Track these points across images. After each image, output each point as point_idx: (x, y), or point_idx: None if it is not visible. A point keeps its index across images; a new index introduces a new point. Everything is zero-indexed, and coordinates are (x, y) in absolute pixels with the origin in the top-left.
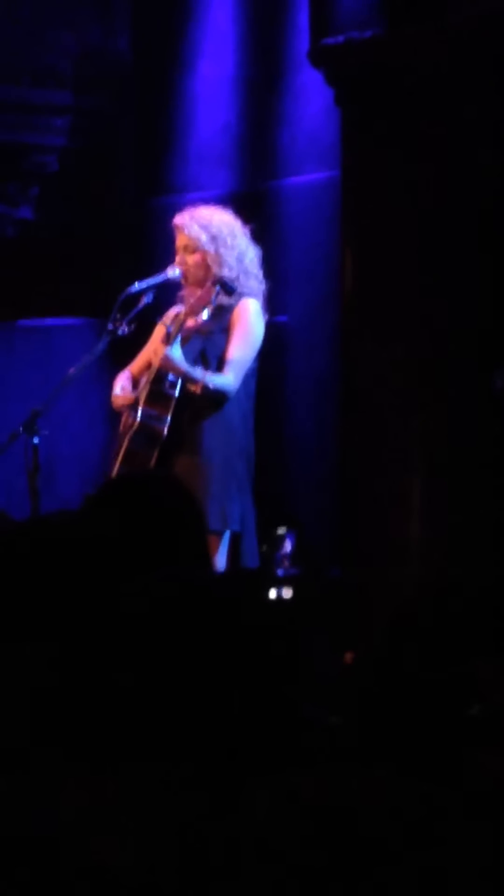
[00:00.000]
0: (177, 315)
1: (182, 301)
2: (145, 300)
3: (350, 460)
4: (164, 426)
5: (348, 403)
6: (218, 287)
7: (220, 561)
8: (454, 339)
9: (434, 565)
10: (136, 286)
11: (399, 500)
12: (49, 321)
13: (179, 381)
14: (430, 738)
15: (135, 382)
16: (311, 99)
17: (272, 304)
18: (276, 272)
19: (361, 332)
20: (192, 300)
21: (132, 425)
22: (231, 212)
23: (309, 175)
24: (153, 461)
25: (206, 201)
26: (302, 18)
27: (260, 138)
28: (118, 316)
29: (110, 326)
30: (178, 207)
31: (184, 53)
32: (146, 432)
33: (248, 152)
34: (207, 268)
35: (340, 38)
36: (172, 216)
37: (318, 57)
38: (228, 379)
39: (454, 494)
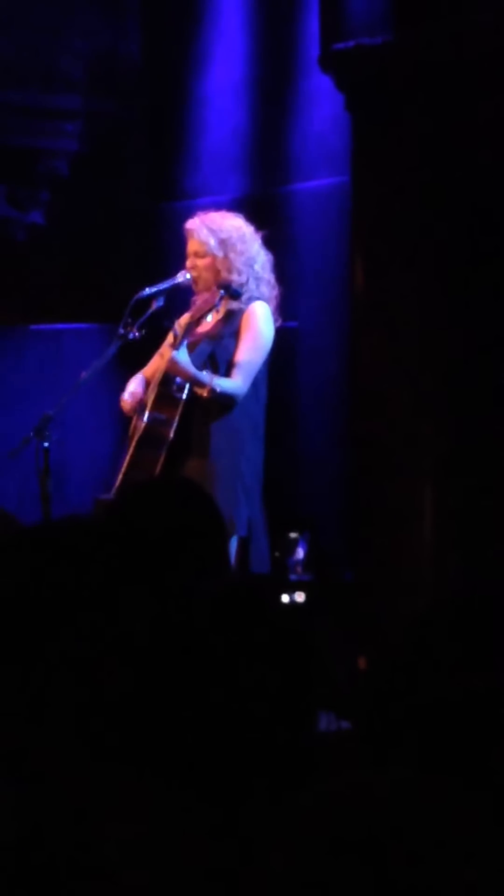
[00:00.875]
0: (184, 319)
1: (194, 306)
2: (156, 304)
3: (361, 464)
4: (170, 429)
5: (359, 408)
6: (223, 291)
7: None
8: (465, 342)
9: (446, 569)
10: (147, 291)
11: (411, 503)
12: (60, 325)
13: (187, 385)
14: (452, 740)
15: (147, 386)
16: (322, 104)
17: (283, 310)
18: (287, 277)
19: (372, 336)
20: (198, 304)
21: (140, 428)
22: (242, 217)
23: (319, 180)
24: (160, 464)
25: (217, 206)
26: (312, 23)
27: (270, 143)
28: (129, 320)
29: (121, 331)
30: (189, 212)
31: (194, 58)
32: (153, 435)
33: (259, 157)
34: (217, 272)
35: (351, 44)
36: (183, 221)
37: (329, 62)
38: (237, 383)
39: (466, 498)
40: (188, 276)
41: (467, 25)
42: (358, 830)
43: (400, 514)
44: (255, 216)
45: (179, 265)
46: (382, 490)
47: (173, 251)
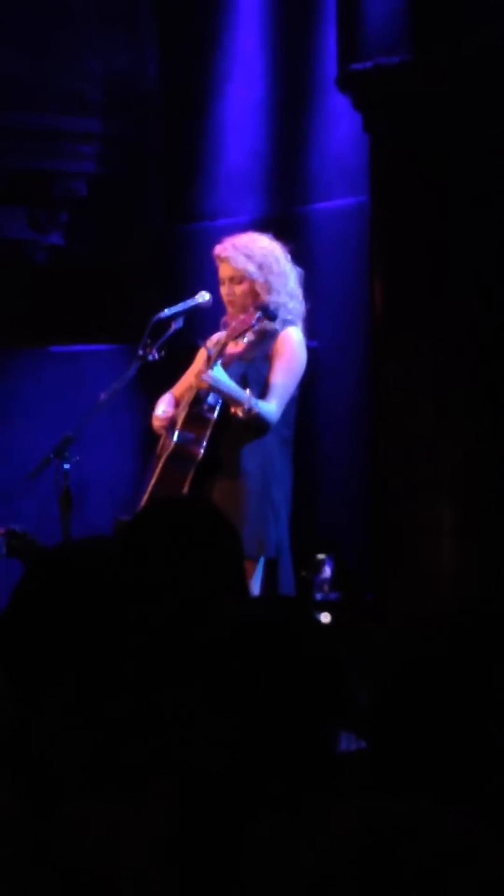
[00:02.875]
0: (219, 339)
1: (225, 327)
2: (175, 326)
3: (382, 484)
4: (199, 449)
5: (379, 426)
6: (259, 313)
7: (255, 587)
8: (484, 360)
9: (467, 590)
10: (166, 312)
11: (431, 523)
12: (79, 347)
13: (218, 405)
14: (461, 765)
15: (177, 405)
16: (340, 124)
17: (305, 329)
18: (306, 297)
19: (391, 356)
20: (233, 324)
21: (169, 447)
22: (269, 235)
23: (337, 200)
24: (188, 484)
25: (235, 227)
26: (329, 43)
27: (288, 164)
28: (148, 341)
29: (140, 352)
30: (207, 234)
31: (212, 79)
32: (182, 454)
33: (277, 178)
34: (256, 295)
35: (368, 64)
36: (201, 242)
37: (346, 82)
38: (271, 407)
39: (487, 517)
40: (207, 296)
41: (485, 45)
42: (368, 857)
43: (421, 535)
44: (274, 237)
45: (198, 286)
46: (403, 510)
47: (192, 272)
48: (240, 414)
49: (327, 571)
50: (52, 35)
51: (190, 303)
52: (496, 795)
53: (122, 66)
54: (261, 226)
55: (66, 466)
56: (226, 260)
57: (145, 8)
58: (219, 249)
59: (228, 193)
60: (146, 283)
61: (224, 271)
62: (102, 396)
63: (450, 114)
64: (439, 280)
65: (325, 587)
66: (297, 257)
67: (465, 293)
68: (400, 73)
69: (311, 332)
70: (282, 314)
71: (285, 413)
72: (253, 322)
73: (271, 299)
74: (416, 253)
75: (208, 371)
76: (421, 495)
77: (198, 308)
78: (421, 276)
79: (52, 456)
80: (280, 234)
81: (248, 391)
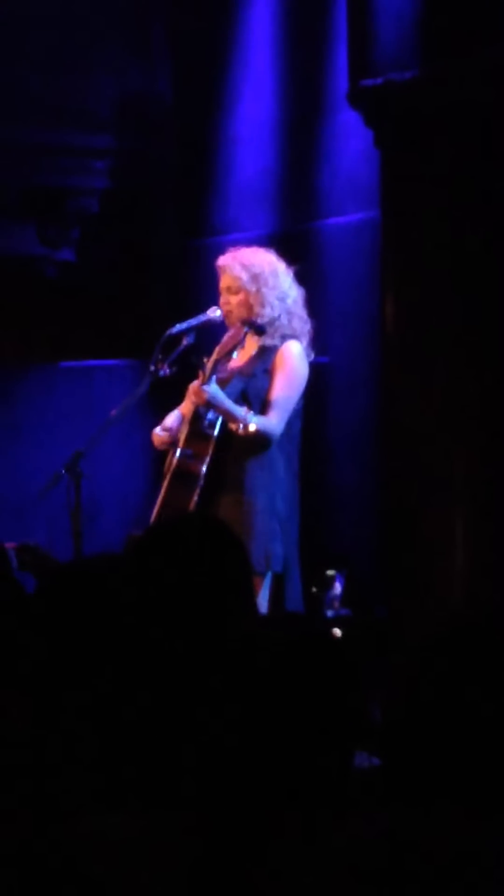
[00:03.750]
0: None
1: None
2: (187, 341)
3: (393, 499)
4: (202, 465)
5: (391, 442)
6: (247, 328)
7: (262, 603)
8: (496, 376)
9: (480, 602)
10: (178, 327)
11: (443, 537)
12: (91, 362)
13: (219, 421)
14: (476, 778)
15: (182, 422)
16: (351, 139)
17: (314, 345)
18: (317, 313)
19: (402, 371)
20: (223, 340)
21: (173, 465)
22: (274, 252)
23: (349, 216)
24: (193, 501)
25: (247, 242)
26: (341, 59)
27: (300, 179)
28: (160, 357)
29: (152, 367)
30: (219, 249)
31: (223, 95)
32: (185, 472)
33: (288, 193)
34: (250, 307)
35: (379, 80)
36: (213, 258)
37: (357, 98)
38: (272, 421)
39: (499, 531)
40: (218, 312)
41: (496, 60)
42: (381, 873)
43: (433, 549)
44: (286, 252)
45: (209, 302)
46: (415, 525)
47: (203, 288)
48: (238, 430)
49: (338, 588)
50: (66, 52)
51: (201, 318)
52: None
53: (135, 83)
54: (272, 241)
55: (79, 481)
56: (224, 269)
57: (158, 25)
58: (220, 260)
59: (240, 209)
60: (157, 298)
61: (223, 281)
62: (114, 412)
63: (461, 129)
64: (451, 295)
65: (336, 603)
66: (309, 273)
67: (476, 308)
68: (411, 88)
69: (322, 347)
70: (279, 330)
71: (289, 427)
72: (241, 337)
73: (265, 313)
74: (427, 267)
75: (202, 386)
76: (433, 510)
77: (209, 323)
78: (433, 291)
79: (63, 471)
80: (291, 249)
81: (244, 407)
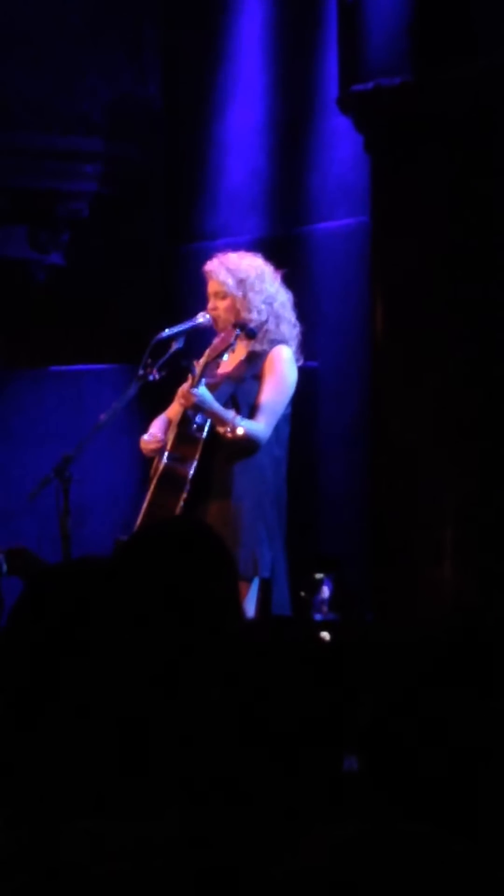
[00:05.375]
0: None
1: None
2: (176, 346)
3: (382, 504)
4: (189, 469)
5: (380, 447)
6: (238, 331)
7: (249, 608)
8: (486, 381)
9: (467, 609)
10: (167, 332)
11: (431, 543)
12: (80, 367)
13: (207, 424)
14: (459, 787)
15: (169, 427)
16: (341, 144)
17: (303, 350)
18: (307, 317)
19: (392, 376)
20: (214, 343)
21: (160, 469)
22: (261, 257)
23: (339, 220)
24: (179, 505)
25: (237, 247)
26: (331, 64)
27: (290, 184)
28: (149, 361)
29: (141, 372)
30: (209, 253)
31: (214, 100)
32: (172, 476)
33: (278, 198)
34: (237, 312)
35: (370, 85)
36: (203, 262)
37: (348, 103)
38: (260, 425)
39: (488, 537)
40: (208, 316)
41: (486, 66)
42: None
43: (421, 555)
44: (275, 257)
45: (199, 306)
46: (403, 530)
47: (193, 292)
48: (227, 434)
49: (325, 592)
50: (56, 55)
51: (190, 323)
52: (492, 819)
53: (125, 87)
54: (262, 246)
55: (67, 485)
56: (211, 274)
57: (149, 29)
58: (207, 265)
59: (230, 213)
60: (147, 302)
61: (210, 286)
62: (103, 416)
63: (451, 135)
64: (440, 301)
65: (324, 608)
66: (298, 277)
67: (466, 314)
68: (401, 94)
69: (311, 352)
70: (267, 334)
71: (277, 432)
72: (232, 340)
73: (252, 317)
74: (417, 273)
75: (192, 390)
76: (421, 515)
77: (198, 328)
78: (422, 297)
79: (52, 475)
80: (281, 254)
81: (232, 411)
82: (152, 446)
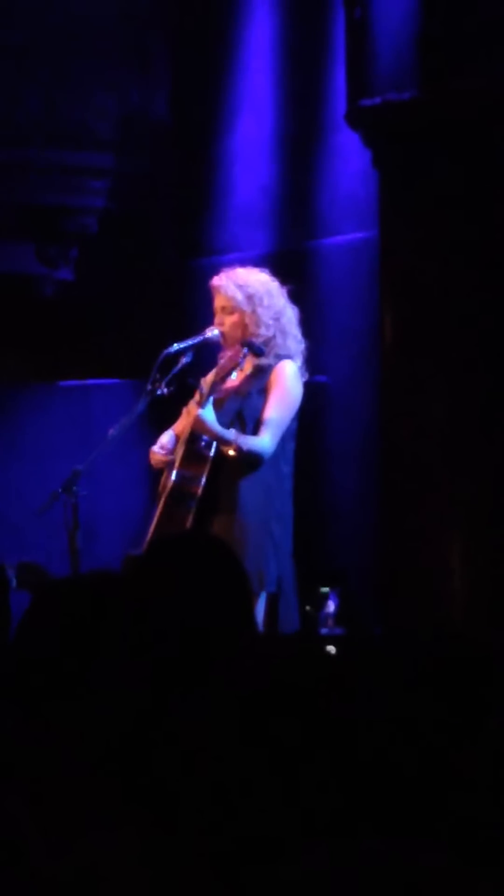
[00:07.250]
0: (210, 377)
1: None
2: (184, 360)
3: (392, 518)
4: (198, 486)
5: (390, 461)
6: (246, 349)
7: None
8: (496, 394)
9: (476, 625)
10: (175, 347)
11: (441, 556)
12: (89, 381)
13: (215, 442)
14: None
15: (177, 442)
16: (350, 159)
17: (312, 364)
18: (316, 332)
19: (402, 390)
20: (221, 362)
21: (168, 486)
22: (269, 272)
23: (347, 235)
24: (189, 521)
25: (245, 262)
26: (339, 79)
27: (298, 199)
28: (157, 376)
29: (149, 387)
30: (217, 268)
31: (222, 115)
32: (181, 492)
33: (287, 213)
34: (245, 328)
35: (377, 100)
36: (211, 277)
37: (356, 118)
38: (264, 441)
39: (496, 552)
40: (216, 331)
41: (493, 81)
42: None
43: (430, 569)
44: (284, 271)
45: (207, 321)
46: (412, 544)
47: (201, 307)
48: (232, 453)
49: (331, 606)
50: (65, 71)
51: (199, 338)
52: (464, 826)
53: (134, 103)
54: (271, 261)
55: (76, 500)
56: (218, 290)
57: (158, 44)
58: (214, 280)
59: (239, 228)
60: (156, 317)
61: (217, 301)
62: (111, 431)
63: (458, 149)
64: (449, 314)
65: (330, 622)
66: (307, 292)
67: (475, 327)
68: (409, 108)
69: (321, 366)
70: (273, 349)
71: (283, 447)
72: (240, 359)
73: (260, 333)
74: (425, 287)
75: (197, 412)
76: (431, 529)
77: (207, 343)
78: (431, 311)
79: (60, 490)
80: (290, 269)
81: (233, 430)
82: (163, 459)
